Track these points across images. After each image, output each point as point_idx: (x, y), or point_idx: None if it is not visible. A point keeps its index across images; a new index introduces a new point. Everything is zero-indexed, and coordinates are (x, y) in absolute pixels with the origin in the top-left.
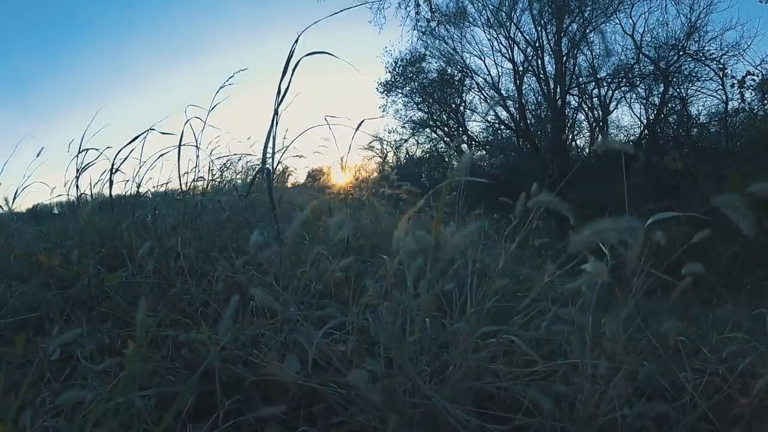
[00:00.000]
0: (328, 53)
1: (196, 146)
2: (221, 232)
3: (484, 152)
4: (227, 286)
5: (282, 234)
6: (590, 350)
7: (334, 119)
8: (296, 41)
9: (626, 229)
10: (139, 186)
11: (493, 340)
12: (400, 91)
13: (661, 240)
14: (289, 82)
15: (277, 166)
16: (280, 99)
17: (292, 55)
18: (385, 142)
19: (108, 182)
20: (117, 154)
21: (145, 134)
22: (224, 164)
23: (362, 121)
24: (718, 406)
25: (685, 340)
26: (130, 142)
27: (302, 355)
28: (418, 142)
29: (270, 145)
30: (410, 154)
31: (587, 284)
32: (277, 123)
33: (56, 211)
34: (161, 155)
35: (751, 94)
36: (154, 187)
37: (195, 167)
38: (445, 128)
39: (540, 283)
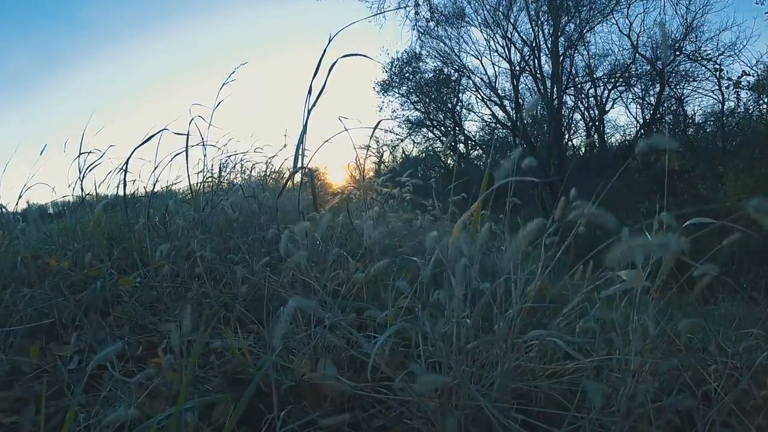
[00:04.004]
0: (364, 55)
1: (203, 145)
2: (233, 233)
3: (481, 151)
4: (250, 288)
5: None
6: (623, 347)
7: (344, 119)
8: (329, 42)
9: (659, 246)
10: (154, 185)
11: (536, 342)
12: (396, 90)
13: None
14: (325, 83)
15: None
16: (313, 101)
17: (323, 57)
18: (381, 142)
19: (113, 181)
20: (130, 156)
21: (159, 134)
22: (223, 164)
23: (379, 122)
24: (737, 399)
25: (693, 337)
26: (143, 143)
27: (335, 358)
28: (414, 142)
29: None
30: (406, 153)
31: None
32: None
33: (51, 212)
34: (175, 155)
35: (746, 94)
36: (162, 188)
37: (200, 163)
38: (442, 128)
39: (579, 290)
